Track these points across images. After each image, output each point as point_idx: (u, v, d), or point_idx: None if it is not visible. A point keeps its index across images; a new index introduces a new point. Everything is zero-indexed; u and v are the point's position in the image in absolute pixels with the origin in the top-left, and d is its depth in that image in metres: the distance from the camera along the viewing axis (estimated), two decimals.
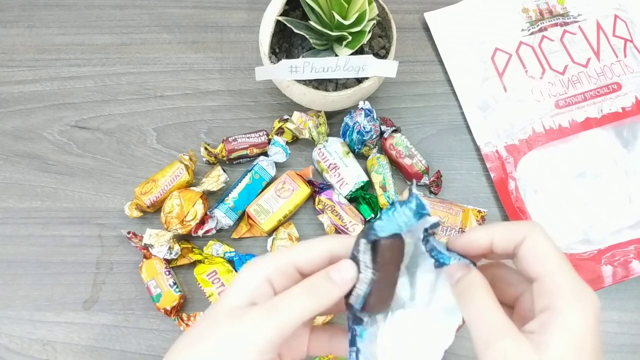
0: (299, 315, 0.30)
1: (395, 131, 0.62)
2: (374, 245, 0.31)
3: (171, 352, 0.31)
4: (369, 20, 0.54)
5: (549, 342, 0.26)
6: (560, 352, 0.26)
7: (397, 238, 0.32)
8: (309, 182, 0.59)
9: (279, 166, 0.61)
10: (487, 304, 0.29)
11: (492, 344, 0.27)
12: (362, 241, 0.31)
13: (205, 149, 0.60)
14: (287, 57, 0.60)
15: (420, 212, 0.31)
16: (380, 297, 0.32)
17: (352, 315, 0.33)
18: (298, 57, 0.58)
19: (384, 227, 0.31)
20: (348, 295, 0.32)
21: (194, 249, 0.57)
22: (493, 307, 0.28)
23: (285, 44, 0.61)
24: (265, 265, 0.31)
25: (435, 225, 0.32)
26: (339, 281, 0.31)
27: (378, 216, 0.32)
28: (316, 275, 0.31)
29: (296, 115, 0.61)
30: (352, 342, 0.32)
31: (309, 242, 0.32)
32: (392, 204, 0.32)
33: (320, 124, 0.61)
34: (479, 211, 0.59)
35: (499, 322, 0.28)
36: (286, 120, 0.61)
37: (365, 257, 0.31)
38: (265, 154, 0.61)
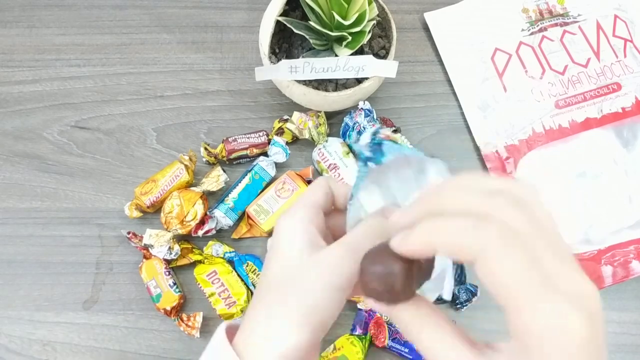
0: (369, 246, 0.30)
1: (395, 131, 0.62)
2: None
3: (258, 300, 0.32)
4: (369, 21, 0.54)
5: None
6: None
7: None
8: (309, 183, 0.59)
9: (279, 166, 0.61)
10: (435, 340, 0.26)
11: None
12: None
13: (205, 149, 0.60)
14: (287, 57, 0.60)
15: (363, 159, 0.31)
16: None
17: None
18: (298, 57, 0.58)
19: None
20: None
21: (194, 249, 0.57)
22: (443, 342, 0.26)
23: (285, 44, 0.61)
24: (308, 211, 0.33)
25: (375, 132, 0.31)
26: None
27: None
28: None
29: (296, 115, 0.61)
30: None
31: (316, 184, 0.34)
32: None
33: (320, 124, 0.61)
34: None
35: (459, 353, 0.25)
36: (286, 121, 0.61)
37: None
38: (265, 154, 0.61)
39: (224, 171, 0.59)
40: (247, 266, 0.56)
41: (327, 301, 0.30)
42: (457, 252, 0.24)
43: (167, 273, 0.55)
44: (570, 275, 0.23)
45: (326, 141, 0.61)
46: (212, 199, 0.60)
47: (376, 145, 0.31)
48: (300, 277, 0.31)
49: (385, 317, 0.55)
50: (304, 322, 0.30)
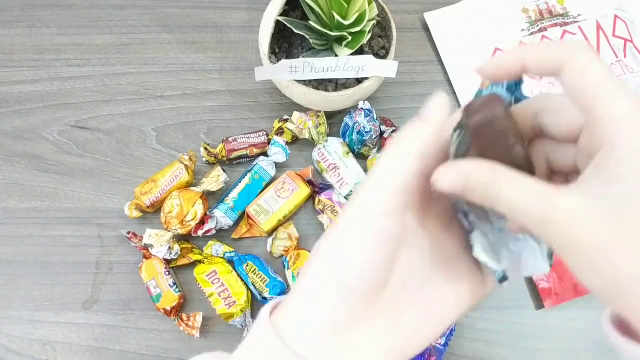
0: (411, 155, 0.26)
1: (395, 131, 0.62)
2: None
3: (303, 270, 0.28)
4: (369, 21, 0.54)
5: (603, 187, 0.22)
6: (618, 194, 0.21)
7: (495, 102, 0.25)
8: (309, 182, 0.59)
9: (279, 166, 0.61)
10: (514, 195, 0.23)
11: (547, 212, 0.22)
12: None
13: (205, 149, 0.60)
14: (287, 57, 0.60)
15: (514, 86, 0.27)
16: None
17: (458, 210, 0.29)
18: (298, 57, 0.58)
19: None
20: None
21: (194, 249, 0.57)
22: (527, 180, 0.23)
23: (285, 44, 0.61)
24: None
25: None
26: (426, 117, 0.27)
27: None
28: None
29: (296, 115, 0.61)
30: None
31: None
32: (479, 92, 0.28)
33: (320, 124, 0.61)
34: None
35: (542, 188, 0.23)
36: (286, 121, 0.61)
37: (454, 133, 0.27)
38: (265, 154, 0.61)
39: (224, 171, 0.59)
40: (247, 266, 0.56)
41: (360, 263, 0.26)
42: (546, 62, 0.24)
43: (167, 273, 0.55)
44: None
45: (326, 141, 0.61)
46: (212, 199, 0.60)
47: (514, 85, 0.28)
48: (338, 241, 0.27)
49: None
50: (334, 295, 0.26)
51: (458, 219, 0.29)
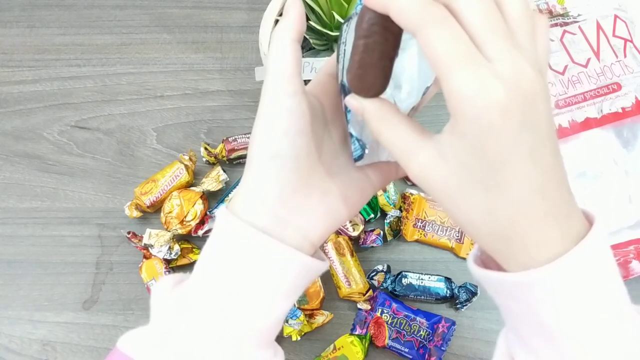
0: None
1: None
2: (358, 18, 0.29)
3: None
4: None
5: (452, 149, 0.26)
6: (460, 157, 0.26)
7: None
8: None
9: None
10: (396, 128, 0.28)
11: (407, 162, 0.28)
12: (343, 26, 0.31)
13: (205, 149, 0.60)
14: None
15: None
16: (363, 73, 0.29)
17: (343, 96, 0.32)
18: None
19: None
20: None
21: (194, 249, 0.58)
22: (401, 127, 0.28)
23: None
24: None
25: None
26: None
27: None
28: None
29: None
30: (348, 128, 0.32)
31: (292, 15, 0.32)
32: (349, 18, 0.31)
33: None
34: None
35: (410, 138, 0.28)
36: None
37: (343, 35, 0.31)
38: None
39: (224, 171, 0.59)
40: None
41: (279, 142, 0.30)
42: (403, 23, 0.25)
43: (167, 273, 0.55)
44: (511, 60, 0.24)
45: None
46: (212, 199, 0.60)
47: None
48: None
49: (386, 317, 0.55)
50: (272, 167, 0.30)
51: (342, 99, 0.32)
